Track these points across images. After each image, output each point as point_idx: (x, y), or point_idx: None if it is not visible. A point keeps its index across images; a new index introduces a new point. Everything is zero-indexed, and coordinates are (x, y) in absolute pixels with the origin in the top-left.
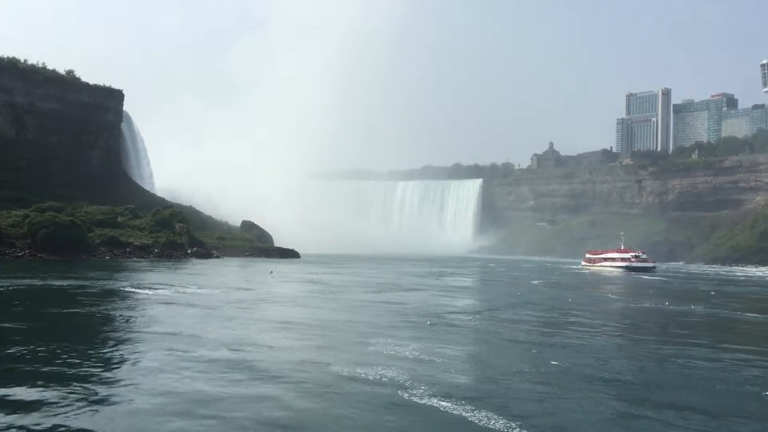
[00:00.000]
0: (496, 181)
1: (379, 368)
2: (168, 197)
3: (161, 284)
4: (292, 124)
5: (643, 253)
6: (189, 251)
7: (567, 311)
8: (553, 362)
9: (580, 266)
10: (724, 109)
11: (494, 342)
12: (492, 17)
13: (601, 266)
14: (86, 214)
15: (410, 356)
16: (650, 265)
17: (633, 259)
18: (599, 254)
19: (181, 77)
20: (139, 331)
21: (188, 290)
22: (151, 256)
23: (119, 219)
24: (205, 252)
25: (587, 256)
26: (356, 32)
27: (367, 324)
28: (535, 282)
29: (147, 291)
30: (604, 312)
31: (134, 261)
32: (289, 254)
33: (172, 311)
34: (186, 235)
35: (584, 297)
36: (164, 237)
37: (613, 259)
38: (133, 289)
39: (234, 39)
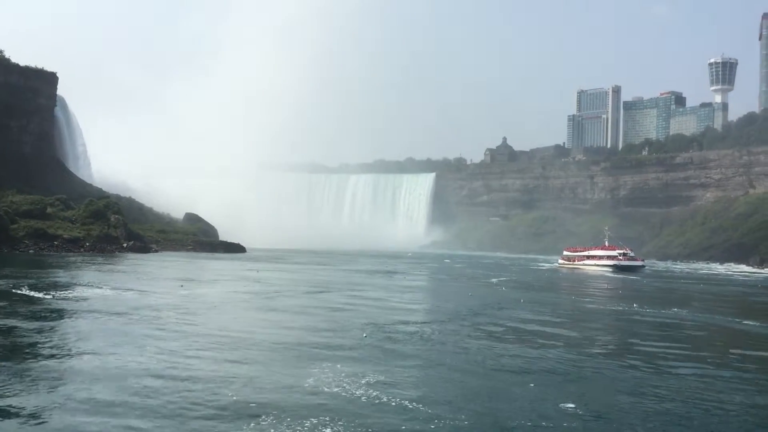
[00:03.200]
0: (450, 175)
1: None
2: (106, 188)
3: (72, 284)
4: (241, 112)
5: (631, 250)
6: (125, 245)
7: (548, 323)
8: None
9: (556, 265)
10: (673, 106)
11: (441, 367)
12: (442, 9)
13: (584, 265)
14: (11, 204)
15: (344, 393)
16: (639, 263)
17: (621, 257)
18: (580, 251)
19: (127, 54)
20: None
21: (96, 292)
22: (82, 250)
23: (49, 210)
24: (142, 246)
25: (565, 253)
26: (308, 19)
27: (296, 341)
28: (495, 281)
29: (47, 294)
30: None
31: (60, 256)
32: (234, 249)
33: (55, 322)
34: (122, 227)
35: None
36: (97, 230)
37: (598, 257)
38: (28, 292)
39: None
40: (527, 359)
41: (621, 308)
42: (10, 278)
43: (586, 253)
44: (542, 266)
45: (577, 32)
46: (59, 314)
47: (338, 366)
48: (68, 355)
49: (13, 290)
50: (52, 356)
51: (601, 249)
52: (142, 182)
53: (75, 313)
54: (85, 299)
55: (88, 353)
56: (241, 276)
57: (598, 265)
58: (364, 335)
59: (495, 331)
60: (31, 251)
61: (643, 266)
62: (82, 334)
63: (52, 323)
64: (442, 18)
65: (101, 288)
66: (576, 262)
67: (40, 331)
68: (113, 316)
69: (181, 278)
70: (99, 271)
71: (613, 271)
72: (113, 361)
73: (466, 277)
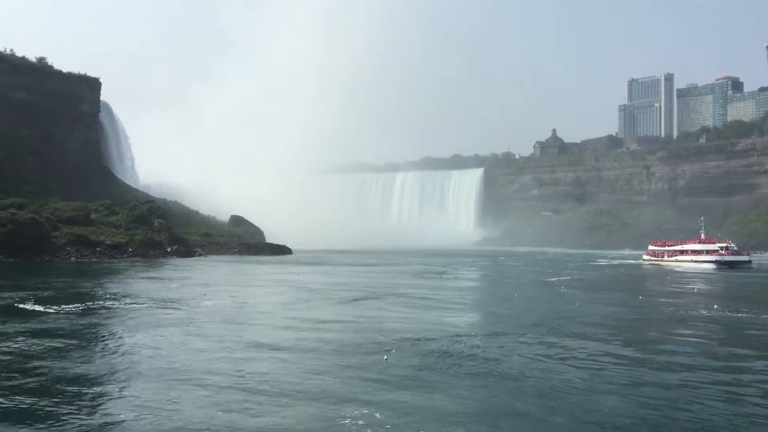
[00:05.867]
0: (498, 170)
1: None
2: (153, 192)
3: (93, 296)
4: (286, 113)
5: (733, 243)
6: (168, 250)
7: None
8: None
9: (641, 261)
10: (730, 92)
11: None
12: (491, 3)
13: (676, 261)
14: (54, 211)
15: None
16: (745, 258)
17: (723, 252)
18: (671, 245)
19: (164, 52)
20: None
21: (113, 305)
22: (124, 256)
23: (92, 216)
24: (186, 250)
25: (651, 248)
26: (352, 21)
27: (312, 371)
28: (561, 283)
29: (52, 308)
30: None
31: (103, 262)
32: (280, 251)
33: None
34: (166, 232)
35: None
36: (141, 235)
37: (695, 252)
38: (33, 307)
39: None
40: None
41: None
42: (19, 291)
43: (679, 248)
44: (607, 262)
45: (624, 22)
46: (66, 331)
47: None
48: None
49: (16, 306)
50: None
51: (698, 242)
52: (188, 185)
53: (77, 332)
54: (89, 314)
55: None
56: (279, 280)
57: (696, 261)
58: (386, 358)
59: (572, 349)
60: (72, 258)
61: (749, 261)
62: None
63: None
64: (489, 11)
65: (121, 301)
66: (666, 258)
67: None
68: (127, 327)
69: (209, 284)
70: (131, 279)
71: (716, 269)
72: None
73: (522, 277)
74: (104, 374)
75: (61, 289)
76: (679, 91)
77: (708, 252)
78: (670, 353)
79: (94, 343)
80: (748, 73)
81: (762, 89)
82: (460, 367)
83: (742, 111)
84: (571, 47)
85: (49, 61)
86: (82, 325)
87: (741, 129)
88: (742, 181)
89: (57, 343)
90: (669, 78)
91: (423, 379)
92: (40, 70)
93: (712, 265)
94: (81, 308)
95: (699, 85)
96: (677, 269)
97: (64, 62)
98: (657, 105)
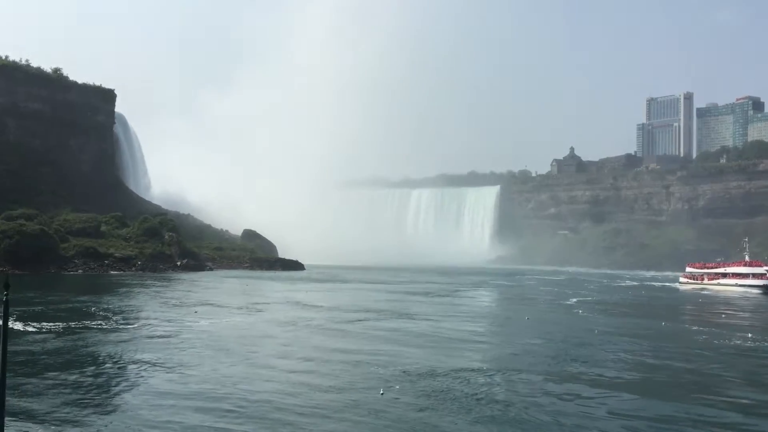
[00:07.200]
0: (514, 187)
1: None
2: (167, 205)
3: (83, 313)
4: (303, 127)
5: None
6: (178, 263)
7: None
8: None
9: (677, 284)
10: (750, 112)
11: None
12: (508, 22)
13: (717, 285)
14: (64, 223)
15: None
16: None
17: None
18: (711, 268)
19: (177, 62)
20: None
21: (99, 325)
22: (133, 269)
23: (103, 228)
24: (197, 264)
25: (689, 270)
26: (371, 38)
27: (295, 411)
28: (578, 306)
29: (33, 326)
30: None
31: (110, 275)
32: (292, 266)
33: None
34: (176, 245)
35: None
36: (151, 248)
37: (740, 276)
38: (13, 324)
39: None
40: None
41: None
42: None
43: (721, 270)
44: (637, 283)
45: (642, 41)
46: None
47: None
48: None
49: None
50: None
51: (744, 265)
52: (201, 199)
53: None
54: (55, 334)
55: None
56: (284, 299)
57: (741, 286)
58: (381, 392)
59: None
60: (80, 271)
61: None
62: None
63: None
64: (508, 31)
65: (98, 319)
66: (706, 281)
67: None
68: (87, 360)
69: (209, 301)
70: (127, 295)
71: (763, 293)
72: None
73: (540, 300)
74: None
75: (54, 304)
76: (699, 110)
77: (754, 276)
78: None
79: (53, 371)
80: None
81: None
82: (462, 407)
83: (763, 131)
84: (590, 65)
85: (65, 72)
86: (52, 349)
87: (762, 149)
88: (765, 203)
89: (15, 368)
90: (688, 97)
91: (417, 420)
92: (56, 80)
93: (759, 290)
94: (62, 327)
95: (719, 105)
96: (720, 294)
97: (77, 72)
98: (676, 124)
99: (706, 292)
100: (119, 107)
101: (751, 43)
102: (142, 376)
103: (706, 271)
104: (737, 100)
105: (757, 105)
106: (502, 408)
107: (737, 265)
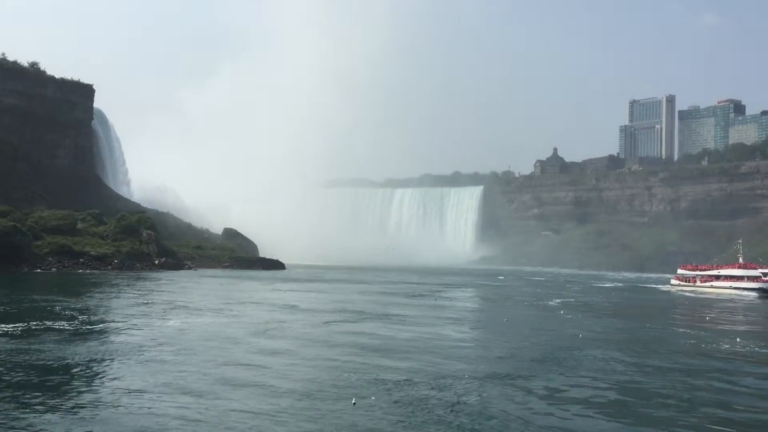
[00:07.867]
0: (498, 188)
1: None
2: (146, 203)
3: (47, 313)
4: (284, 126)
5: None
6: (156, 262)
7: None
8: None
9: (669, 286)
10: (731, 115)
11: None
12: (491, 25)
13: (711, 287)
14: (39, 220)
15: None
16: None
17: (766, 278)
18: (704, 270)
19: (155, 57)
20: None
21: (62, 326)
22: (109, 267)
23: (79, 225)
24: (175, 263)
25: (680, 272)
26: (357, 39)
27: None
28: (563, 309)
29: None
30: None
31: (85, 274)
32: (272, 265)
33: None
34: (154, 243)
35: None
36: (128, 246)
37: (734, 278)
38: None
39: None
40: None
41: None
42: None
43: (714, 272)
44: (620, 285)
45: (626, 43)
46: None
47: None
48: None
49: None
50: None
51: (737, 267)
52: (182, 197)
53: None
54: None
55: None
56: (261, 299)
57: (735, 288)
58: (353, 402)
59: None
60: (53, 269)
61: None
62: None
63: None
64: (492, 31)
65: (52, 320)
66: (699, 284)
67: None
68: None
69: (182, 301)
70: (86, 296)
71: (758, 296)
72: None
73: (526, 302)
74: None
75: (17, 303)
76: (681, 113)
77: (749, 278)
78: None
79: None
80: (750, 96)
81: (764, 113)
82: (440, 419)
83: (744, 134)
84: (573, 67)
85: (42, 66)
86: (5, 351)
87: (743, 152)
88: (746, 205)
89: None
90: (671, 99)
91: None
92: (33, 75)
93: (754, 293)
94: (21, 328)
95: (701, 108)
96: (713, 296)
97: (55, 65)
98: (658, 126)
99: (701, 295)
100: (98, 103)
101: (732, 46)
102: (87, 384)
103: (698, 273)
104: (719, 102)
105: (738, 108)
106: (481, 421)
107: (731, 268)
